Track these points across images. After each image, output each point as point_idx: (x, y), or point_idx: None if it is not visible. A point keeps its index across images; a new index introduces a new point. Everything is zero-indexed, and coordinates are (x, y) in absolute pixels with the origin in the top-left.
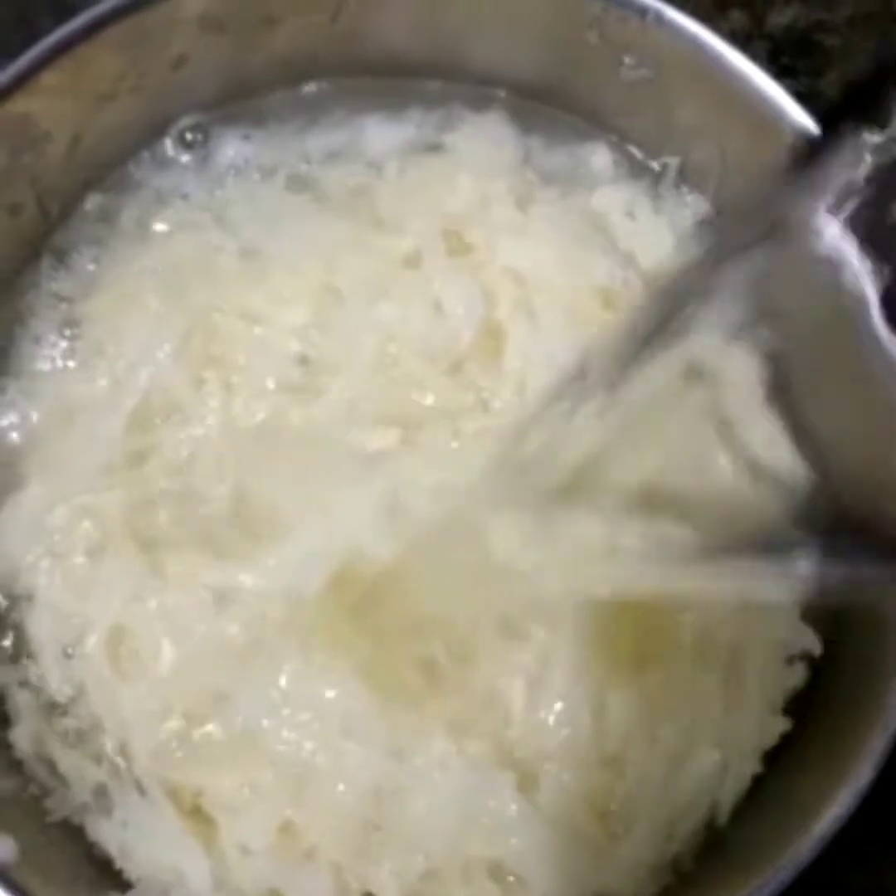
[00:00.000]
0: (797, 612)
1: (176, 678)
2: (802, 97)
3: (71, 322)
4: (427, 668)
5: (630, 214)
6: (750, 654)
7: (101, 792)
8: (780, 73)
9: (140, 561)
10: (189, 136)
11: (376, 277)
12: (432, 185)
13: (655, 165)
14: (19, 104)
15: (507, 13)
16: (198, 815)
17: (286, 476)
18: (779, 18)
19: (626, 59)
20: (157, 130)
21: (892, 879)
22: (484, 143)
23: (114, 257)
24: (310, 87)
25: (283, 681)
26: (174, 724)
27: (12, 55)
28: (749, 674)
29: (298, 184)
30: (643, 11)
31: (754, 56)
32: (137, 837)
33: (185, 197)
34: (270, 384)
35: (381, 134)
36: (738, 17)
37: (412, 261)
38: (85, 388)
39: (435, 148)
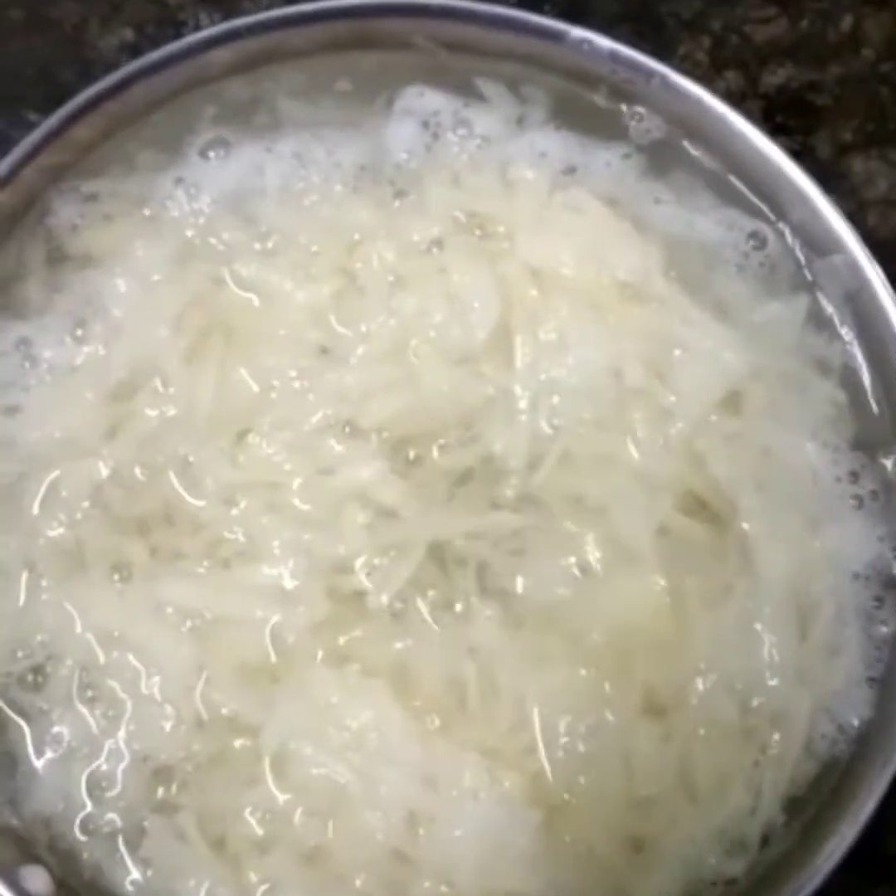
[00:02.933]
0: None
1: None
2: (795, 155)
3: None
4: (457, 688)
5: (657, 200)
6: (796, 716)
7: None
8: (775, 131)
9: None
10: (212, 154)
11: (396, 265)
12: (456, 171)
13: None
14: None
15: None
16: (224, 852)
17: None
18: (772, 78)
19: (632, 123)
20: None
21: None
22: (511, 130)
23: (120, 235)
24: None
25: (316, 702)
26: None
27: (39, 109)
28: (795, 733)
29: (321, 174)
30: (649, 75)
31: (749, 115)
32: (160, 877)
33: (200, 186)
34: (271, 362)
35: (407, 119)
36: (733, 77)
37: (433, 249)
38: (73, 354)
39: (462, 132)
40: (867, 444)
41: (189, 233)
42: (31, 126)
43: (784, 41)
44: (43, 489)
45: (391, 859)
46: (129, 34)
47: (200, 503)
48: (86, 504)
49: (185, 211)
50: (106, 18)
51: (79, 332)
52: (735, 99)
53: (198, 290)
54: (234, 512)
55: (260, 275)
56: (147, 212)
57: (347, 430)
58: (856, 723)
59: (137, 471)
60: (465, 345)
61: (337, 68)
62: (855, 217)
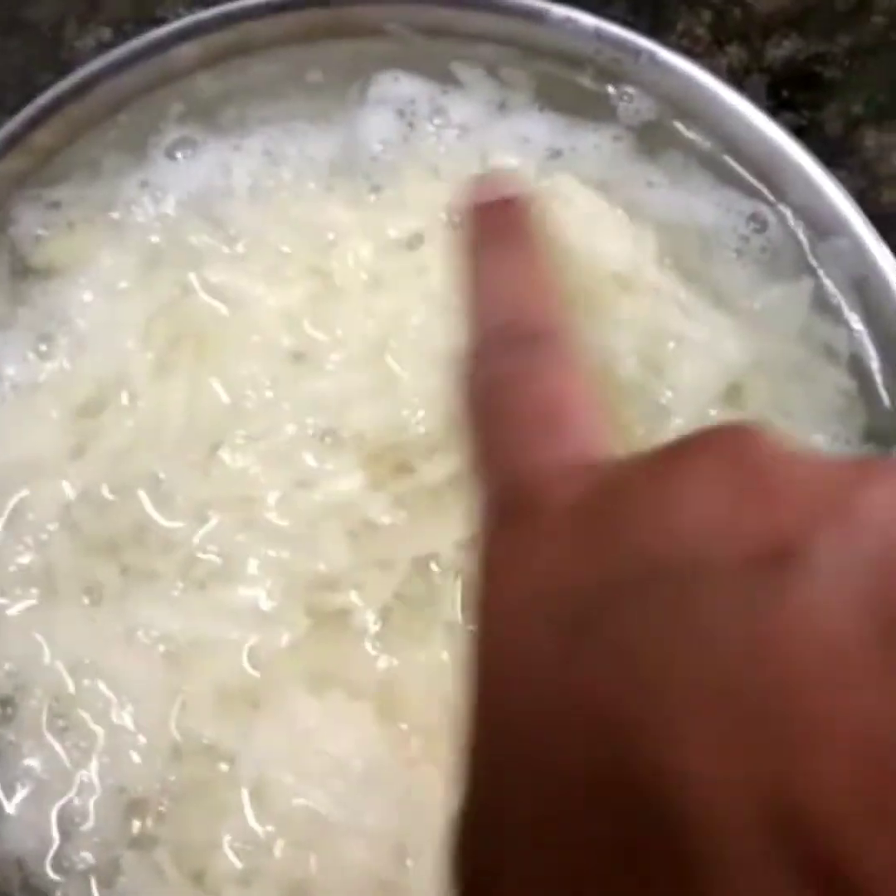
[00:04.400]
0: None
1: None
2: (803, 131)
3: (30, 301)
4: (445, 709)
5: (650, 183)
6: None
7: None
8: (781, 106)
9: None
10: (179, 155)
11: (373, 263)
12: (434, 162)
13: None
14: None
15: None
16: (202, 887)
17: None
18: (777, 51)
19: (621, 103)
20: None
21: None
22: (492, 116)
23: (84, 243)
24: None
25: (295, 727)
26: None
27: (12, 112)
28: None
29: (293, 171)
30: (637, 53)
31: (754, 90)
32: None
33: (165, 188)
34: (244, 371)
35: (381, 108)
36: (736, 51)
37: (412, 245)
38: (36, 370)
39: (439, 121)
40: (879, 436)
41: (155, 238)
42: None
43: (789, 11)
44: (8, 511)
45: (378, 892)
46: (107, 34)
47: (173, 523)
48: (53, 526)
49: (150, 215)
50: (83, 18)
51: (42, 347)
52: (738, 74)
53: (165, 298)
54: (208, 529)
55: (230, 280)
56: (113, 217)
57: (325, 440)
58: None
59: (106, 490)
60: (448, 346)
61: (308, 59)
62: (867, 194)
